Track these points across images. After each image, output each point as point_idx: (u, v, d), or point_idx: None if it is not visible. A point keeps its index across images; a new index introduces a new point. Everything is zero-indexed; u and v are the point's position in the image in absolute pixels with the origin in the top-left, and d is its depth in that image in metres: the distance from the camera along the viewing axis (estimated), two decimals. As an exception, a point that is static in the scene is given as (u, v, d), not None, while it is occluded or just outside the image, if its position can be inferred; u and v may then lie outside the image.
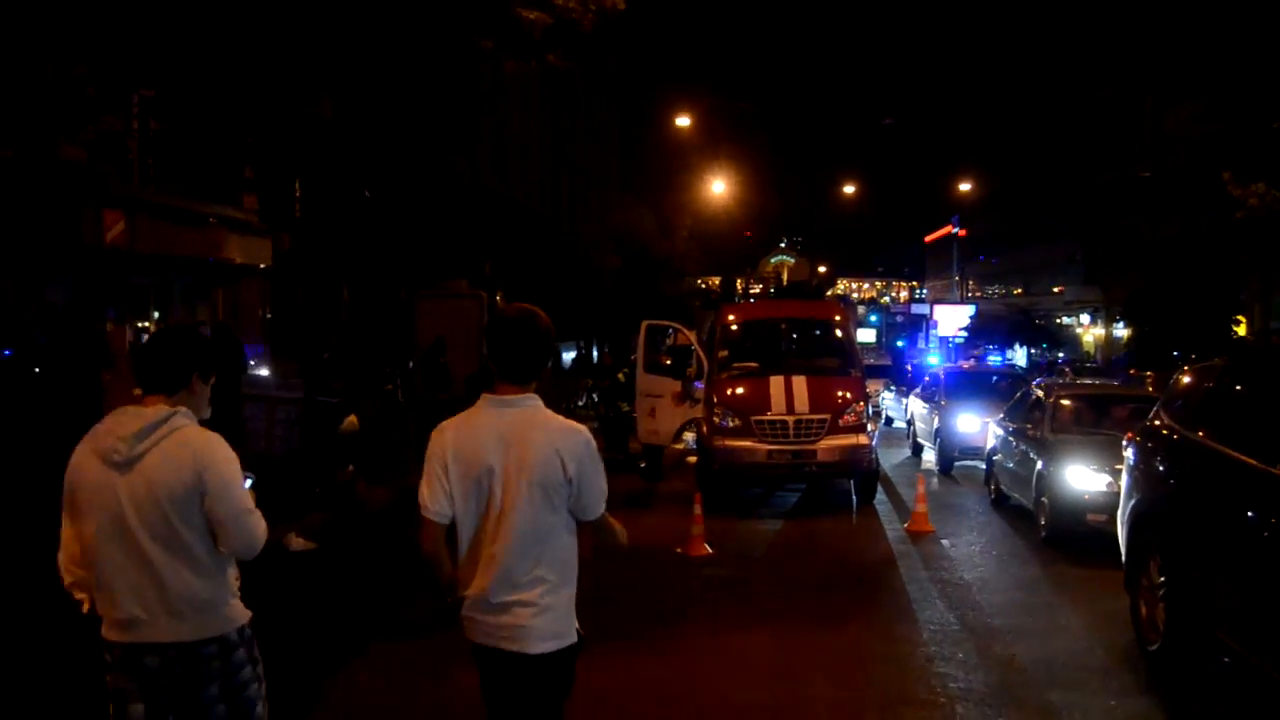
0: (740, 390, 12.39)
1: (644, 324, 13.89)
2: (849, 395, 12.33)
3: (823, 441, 11.83)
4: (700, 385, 13.23)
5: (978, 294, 75.15)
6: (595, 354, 39.31)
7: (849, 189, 59.33)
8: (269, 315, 26.80)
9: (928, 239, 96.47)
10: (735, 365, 12.92)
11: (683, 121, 37.67)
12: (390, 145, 20.04)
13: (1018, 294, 64.98)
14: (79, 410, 15.17)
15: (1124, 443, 7.65)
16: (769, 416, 11.89)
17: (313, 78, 16.28)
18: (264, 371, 25.34)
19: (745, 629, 7.35)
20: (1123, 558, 7.08)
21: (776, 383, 12.14)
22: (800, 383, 12.09)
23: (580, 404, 24.18)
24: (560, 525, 3.34)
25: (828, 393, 12.25)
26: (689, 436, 14.29)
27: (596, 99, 44.75)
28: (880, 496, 12.98)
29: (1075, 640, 7.04)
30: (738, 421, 11.96)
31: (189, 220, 21.06)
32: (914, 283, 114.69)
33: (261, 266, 24.69)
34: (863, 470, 12.27)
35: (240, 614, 3.37)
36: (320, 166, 21.51)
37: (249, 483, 3.80)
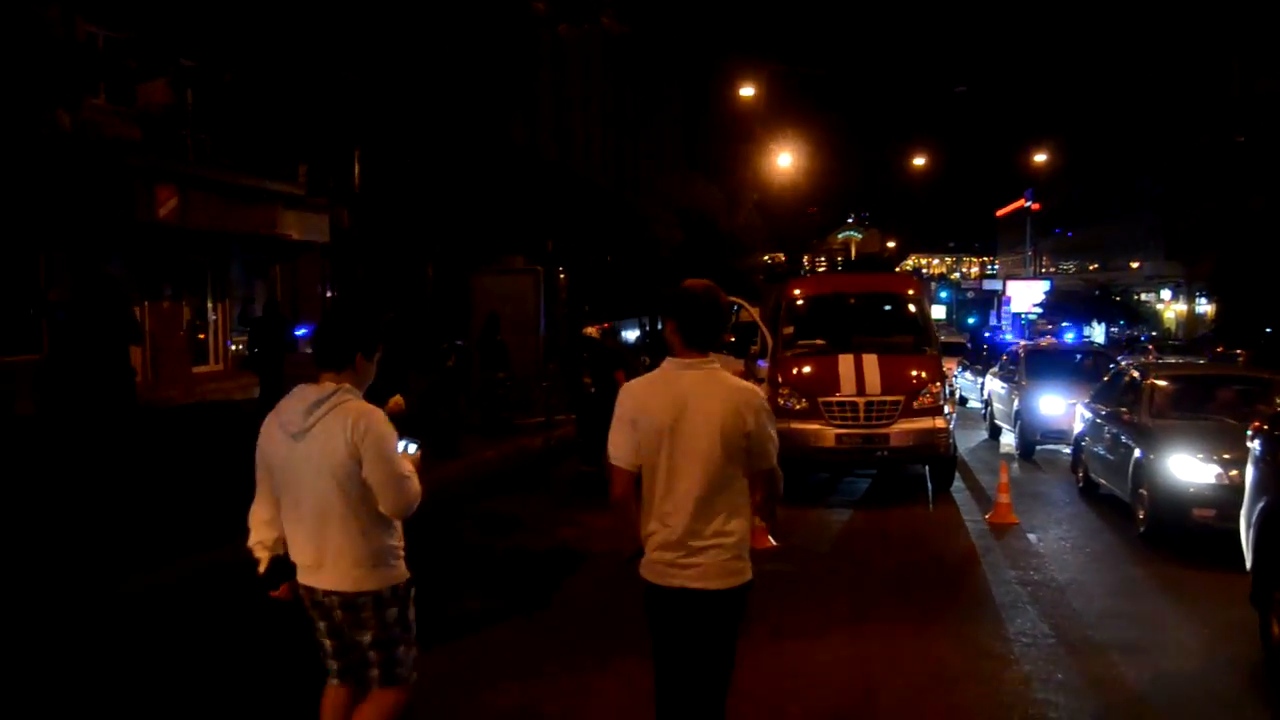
0: (807, 369, 11.60)
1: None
2: (924, 375, 11.48)
3: (896, 425, 11.02)
4: (764, 364, 12.46)
5: (1051, 269, 72.92)
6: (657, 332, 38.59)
7: (919, 161, 57.67)
8: (330, 294, 26.57)
9: (999, 213, 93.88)
10: (801, 343, 12.13)
11: (747, 92, 36.63)
12: (447, 116, 19.47)
13: (1094, 270, 62.86)
14: (106, 382, 14.90)
15: (1249, 433, 6.76)
16: (838, 398, 11.09)
17: (366, 45, 15.73)
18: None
19: (811, 636, 6.62)
20: (1247, 565, 6.24)
21: (846, 361, 11.34)
22: (871, 361, 11.27)
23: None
24: (737, 474, 3.66)
25: (901, 372, 11.41)
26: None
27: (659, 69, 43.85)
28: (957, 484, 12.14)
29: (1193, 660, 6.19)
30: (804, 403, 11.19)
31: (242, 196, 20.75)
32: (985, 258, 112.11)
33: (319, 242, 24.46)
34: (939, 456, 11.44)
35: (398, 574, 3.75)
36: (377, 139, 21.03)
37: (413, 447, 4.11)
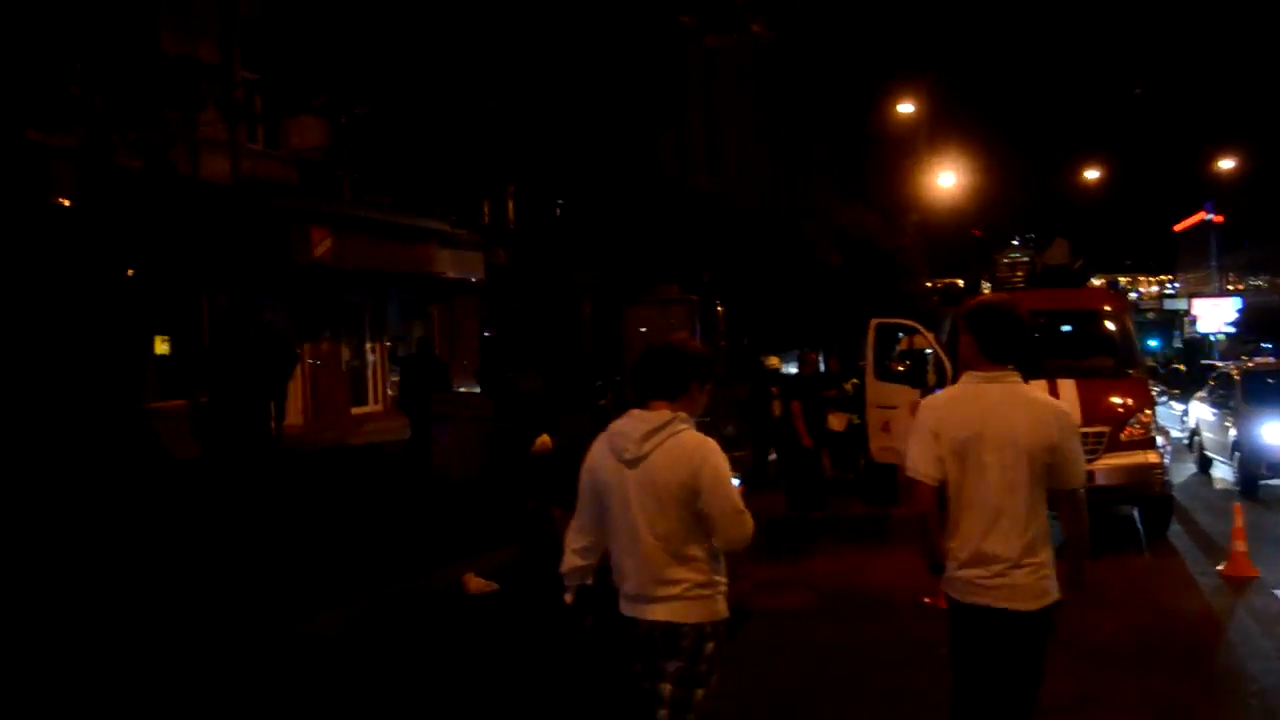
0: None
1: (873, 323, 11.97)
2: (1131, 402, 10.08)
3: (1101, 460, 9.65)
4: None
5: (1238, 286, 67.82)
6: (822, 363, 37.25)
7: (1092, 174, 54.51)
8: (486, 333, 26.48)
9: (1177, 228, 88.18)
10: (984, 369, 10.92)
11: (907, 108, 35.13)
12: (598, 147, 18.95)
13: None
14: (256, 425, 14.74)
15: None
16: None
17: (513, 76, 15.29)
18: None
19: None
20: None
21: (1038, 389, 10.06)
22: (1068, 388, 9.94)
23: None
24: (1042, 492, 3.66)
25: (1104, 400, 10.05)
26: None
27: (813, 88, 42.79)
28: (1174, 527, 10.62)
29: None
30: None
31: (395, 234, 20.73)
32: (1164, 276, 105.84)
33: (474, 280, 24.35)
34: (1154, 496, 10.01)
35: (720, 610, 3.62)
36: (529, 175, 20.74)
37: (737, 481, 3.87)
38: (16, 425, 11.70)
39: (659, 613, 3.57)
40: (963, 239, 48.61)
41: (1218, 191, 66.79)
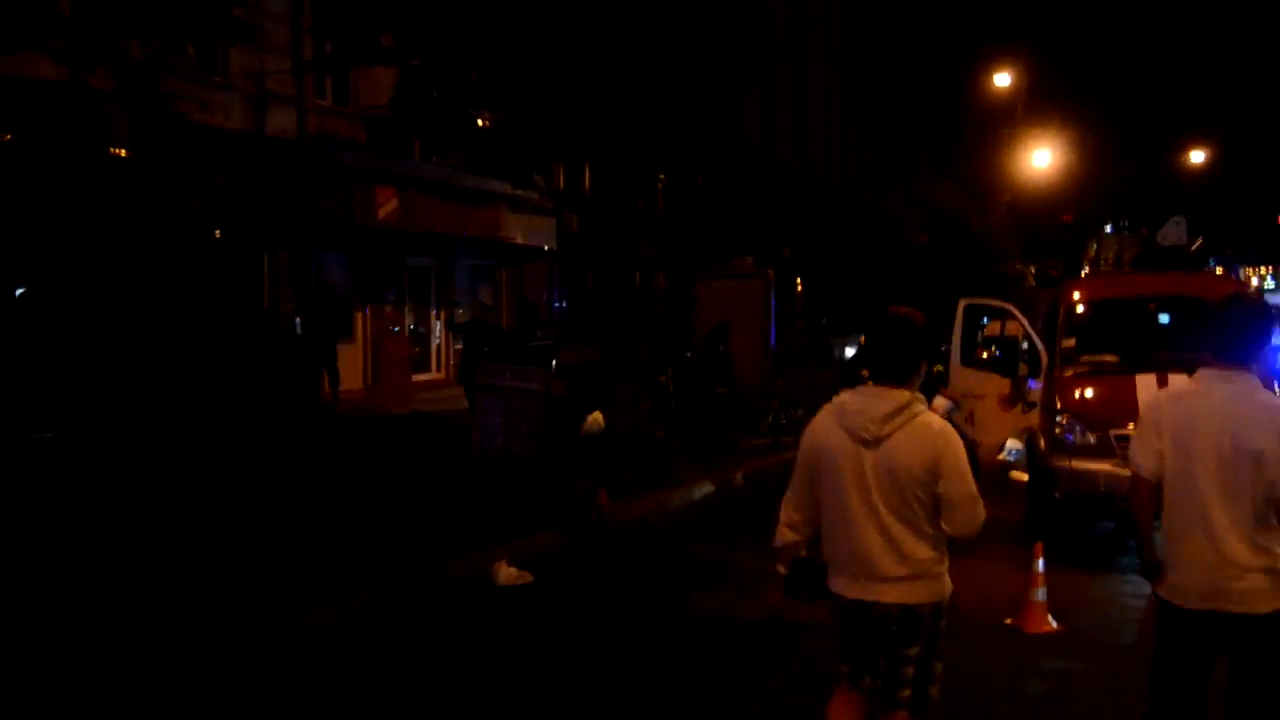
0: (1095, 393, 9.21)
1: (961, 303, 10.95)
2: (1254, 404, 8.96)
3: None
4: (1036, 385, 10.17)
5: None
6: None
7: (1196, 156, 51.70)
8: (561, 302, 25.82)
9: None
10: (1087, 359, 9.72)
11: (1002, 80, 33.45)
12: (680, 117, 17.99)
13: None
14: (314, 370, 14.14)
15: None
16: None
17: (587, 25, 14.39)
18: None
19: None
20: None
21: (1147, 384, 8.92)
22: (1181, 383, 8.85)
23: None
24: (1272, 495, 3.55)
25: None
26: (1012, 445, 11.24)
27: (904, 61, 41.20)
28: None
29: None
30: (1091, 436, 8.88)
31: (464, 197, 20.12)
32: (1266, 268, 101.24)
33: (545, 248, 23.70)
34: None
35: (949, 587, 3.67)
36: (609, 143, 19.83)
37: None
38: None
39: (895, 594, 3.57)
40: (1055, 223, 46.58)
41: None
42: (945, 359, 11.84)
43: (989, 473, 11.71)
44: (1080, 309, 10.40)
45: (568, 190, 24.49)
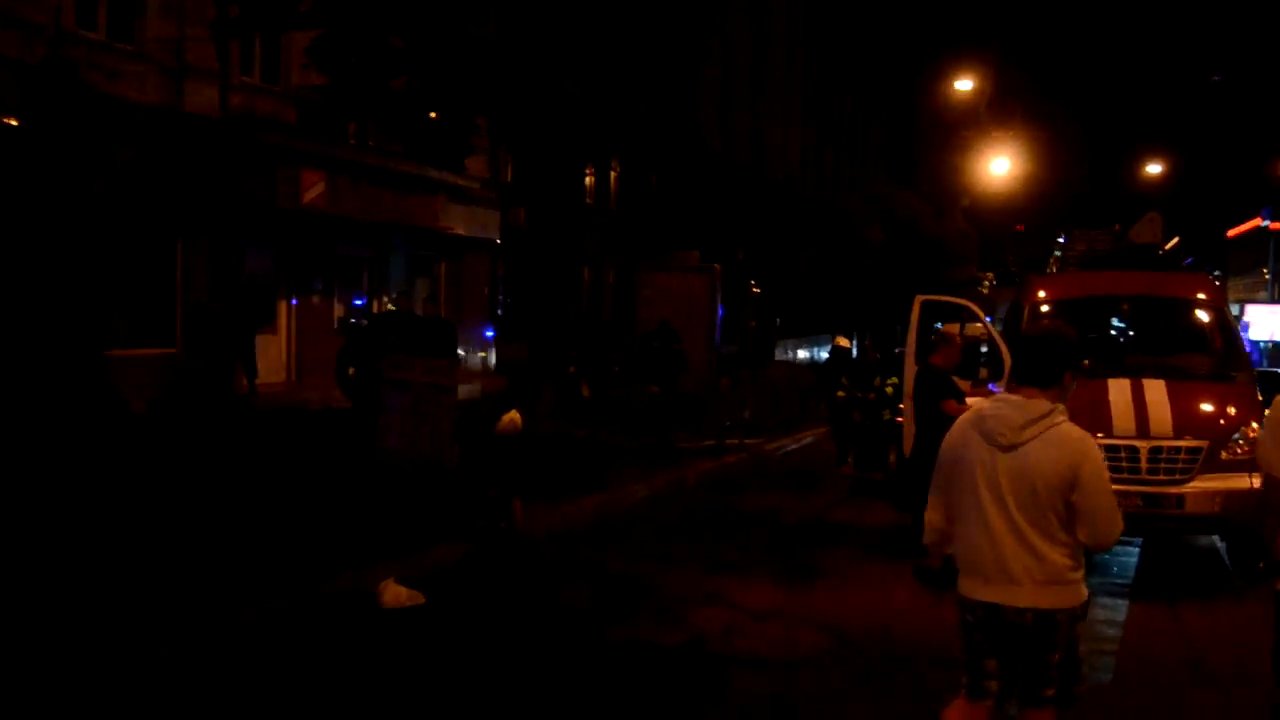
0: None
1: (917, 300, 10.09)
2: (1235, 412, 8.18)
3: (1195, 482, 7.74)
4: (997, 389, 9.35)
5: (1289, 294, 64.65)
6: (855, 348, 35.30)
7: (1153, 168, 51.66)
8: (506, 297, 24.80)
9: (1231, 233, 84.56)
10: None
11: (964, 85, 32.91)
12: (626, 89, 17.00)
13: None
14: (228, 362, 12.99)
15: None
16: (1108, 439, 7.88)
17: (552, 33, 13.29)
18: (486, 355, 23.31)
19: None
20: None
21: (1119, 389, 8.15)
22: (1157, 390, 8.04)
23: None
24: None
25: (1201, 408, 8.15)
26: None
27: (865, 65, 40.64)
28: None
29: None
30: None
31: (400, 184, 19.06)
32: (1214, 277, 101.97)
33: (488, 240, 22.69)
34: (1254, 529, 8.14)
35: (1084, 593, 3.63)
36: (561, 138, 18.79)
37: None
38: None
39: (1030, 599, 3.57)
40: (1008, 234, 46.26)
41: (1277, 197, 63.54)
42: (899, 361, 11.01)
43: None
44: (1046, 308, 9.61)
45: (515, 182, 23.53)
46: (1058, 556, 3.55)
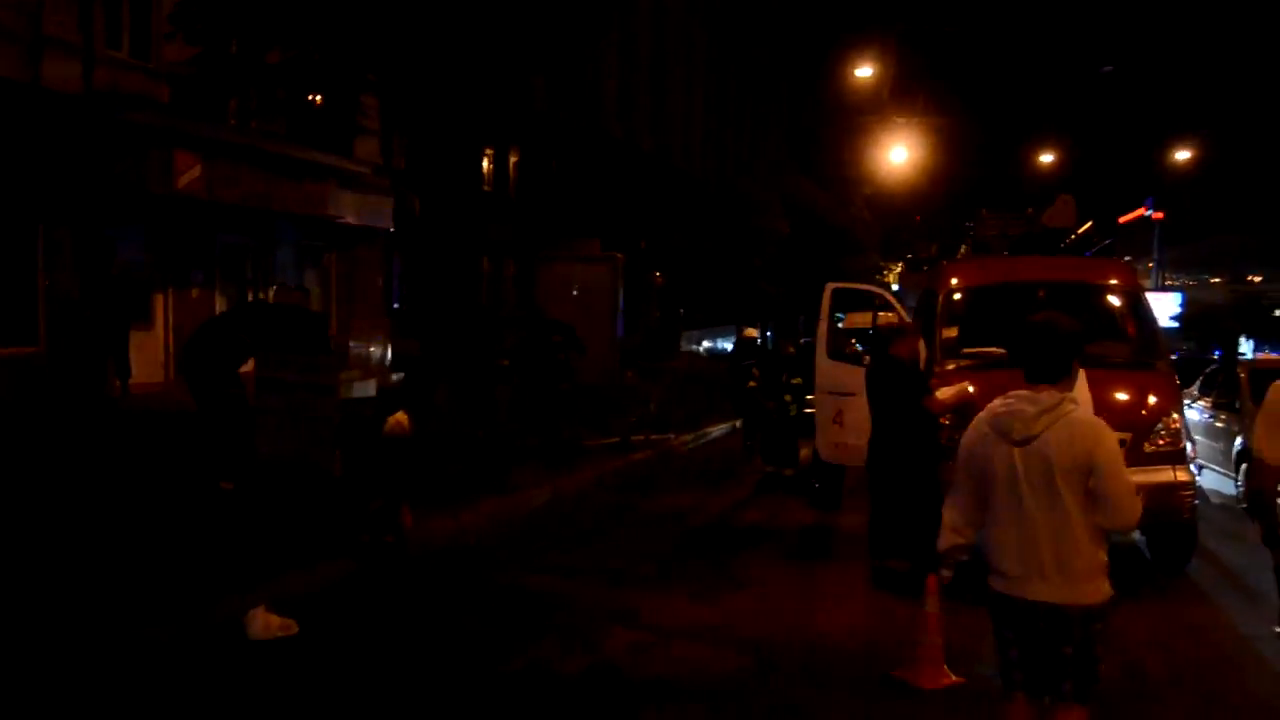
0: (982, 391, 8.02)
1: (828, 288, 9.64)
2: (1156, 402, 7.91)
3: (1119, 476, 7.47)
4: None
5: (1170, 281, 67.14)
6: (759, 339, 35.13)
7: (1046, 157, 52.72)
8: (402, 289, 23.82)
9: (1121, 220, 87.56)
10: (970, 352, 8.56)
11: (864, 72, 32.84)
12: (529, 97, 16.08)
13: (1216, 283, 57.59)
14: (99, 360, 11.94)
15: None
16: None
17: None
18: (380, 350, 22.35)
19: None
20: None
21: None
22: (1078, 380, 7.73)
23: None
24: None
25: (1121, 398, 7.86)
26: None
27: (766, 51, 40.45)
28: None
29: None
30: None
31: (284, 169, 17.99)
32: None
33: (381, 228, 21.74)
34: (1179, 522, 7.88)
35: (1104, 591, 3.60)
36: (458, 122, 17.80)
37: None
38: None
39: (1054, 594, 3.55)
40: (906, 221, 46.73)
41: (1163, 185, 65.70)
42: (810, 351, 10.58)
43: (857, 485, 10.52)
44: (959, 295, 9.24)
45: (408, 168, 22.57)
46: (1080, 548, 3.54)
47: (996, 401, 3.73)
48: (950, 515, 3.84)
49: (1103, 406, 7.57)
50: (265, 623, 5.79)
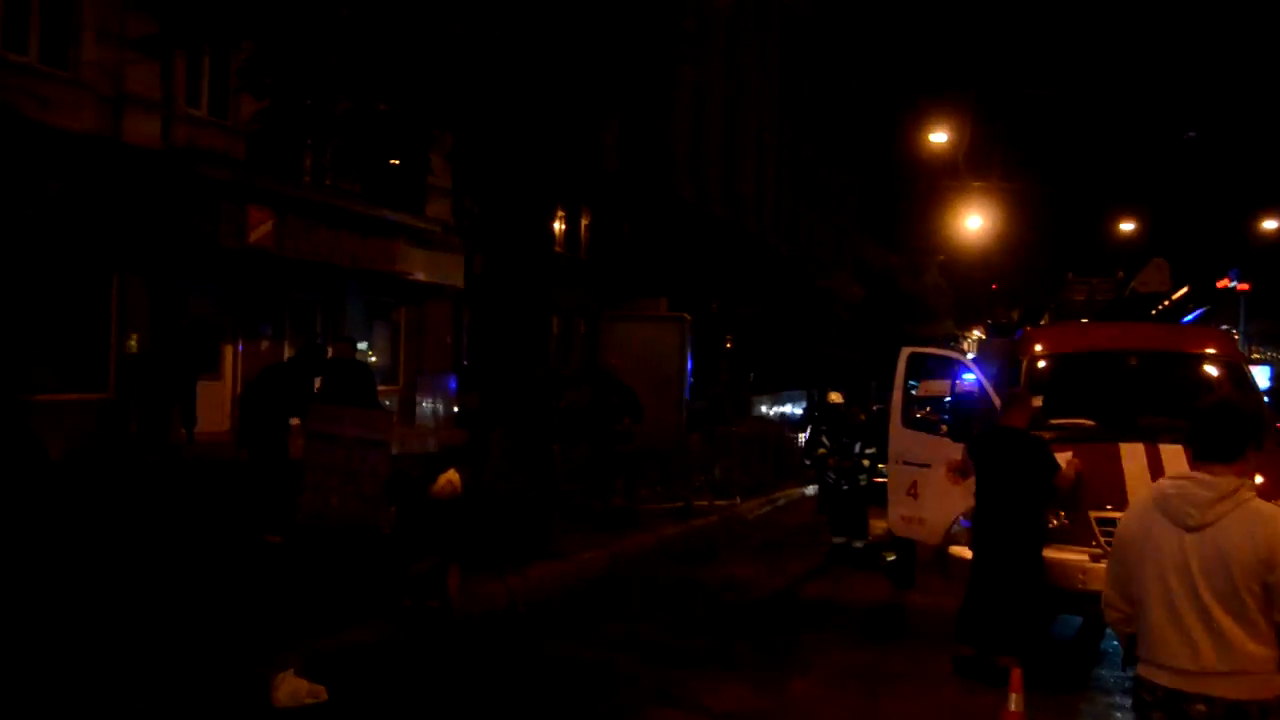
0: (1070, 465, 7.48)
1: (904, 352, 9.14)
2: (1265, 483, 7.26)
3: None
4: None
5: (1256, 354, 64.91)
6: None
7: (1127, 226, 51.54)
8: (471, 347, 23.78)
9: (1220, 284, 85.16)
10: (1057, 423, 8.00)
11: (939, 137, 32.41)
12: (598, 157, 15.93)
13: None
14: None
15: None
16: (1122, 514, 6.98)
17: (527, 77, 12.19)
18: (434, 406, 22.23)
19: None
20: None
21: (1134, 456, 7.25)
22: (1177, 458, 7.09)
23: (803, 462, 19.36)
24: None
25: (1226, 478, 7.26)
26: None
27: (839, 120, 40.28)
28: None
29: None
30: (1063, 517, 7.15)
31: (355, 225, 18.13)
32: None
33: (451, 286, 21.76)
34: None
35: (1278, 685, 3.40)
36: (519, 172, 17.77)
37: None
38: None
39: (1224, 689, 3.33)
40: (982, 289, 45.82)
41: (1254, 253, 63.78)
42: (883, 419, 10.08)
43: (929, 553, 9.94)
44: (1044, 363, 8.73)
45: (475, 226, 22.65)
46: (1253, 644, 3.32)
47: (1164, 482, 3.57)
48: (1111, 594, 3.70)
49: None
50: (293, 689, 5.47)
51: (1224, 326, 10.38)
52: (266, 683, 5.48)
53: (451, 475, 7.47)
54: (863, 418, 11.71)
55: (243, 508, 9.09)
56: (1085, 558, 7.03)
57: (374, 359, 21.38)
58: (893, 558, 10.13)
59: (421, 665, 6.34)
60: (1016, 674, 4.97)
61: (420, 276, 20.55)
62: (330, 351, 11.42)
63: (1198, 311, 9.51)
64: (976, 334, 38.04)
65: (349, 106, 11.54)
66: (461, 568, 7.33)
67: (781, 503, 15.84)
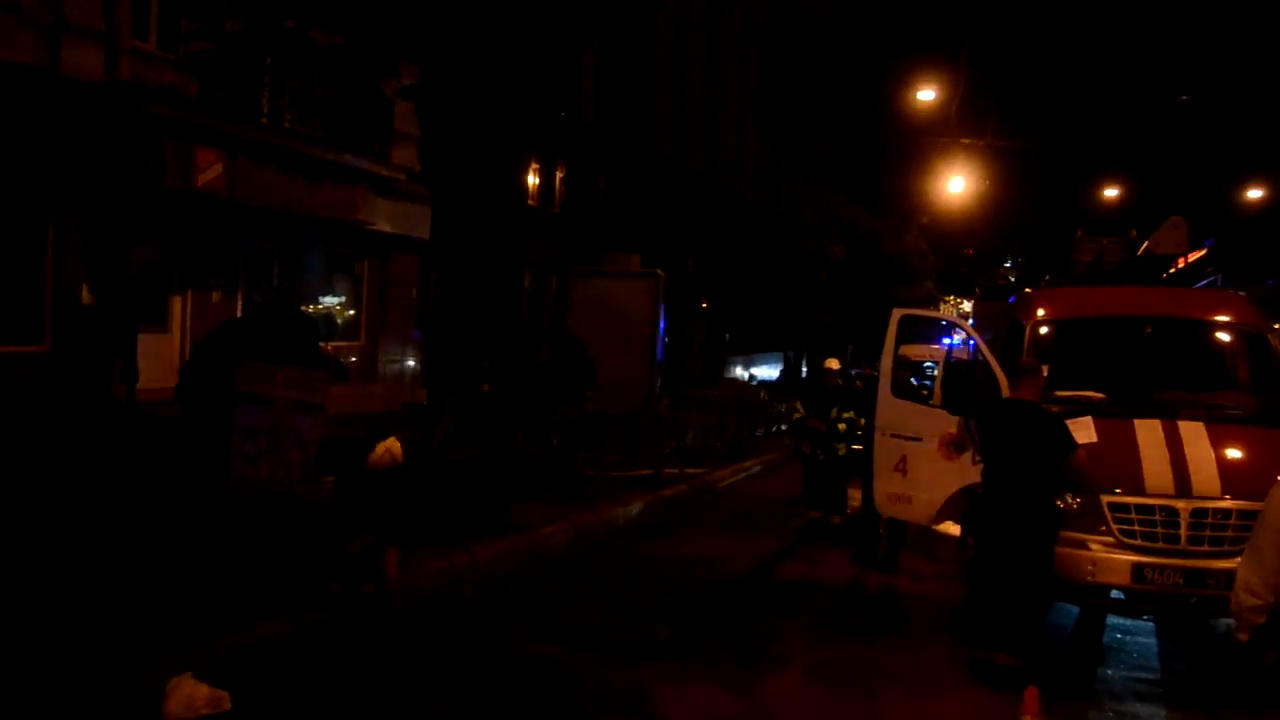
0: (1079, 442, 6.75)
1: (895, 314, 8.36)
2: (1293, 465, 6.61)
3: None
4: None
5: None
6: (805, 368, 33.84)
7: (1111, 192, 50.84)
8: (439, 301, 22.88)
9: (1180, 262, 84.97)
10: (1063, 395, 7.29)
11: (925, 95, 31.45)
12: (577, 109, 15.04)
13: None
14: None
15: None
16: (1137, 498, 6.26)
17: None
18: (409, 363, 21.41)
19: None
20: None
21: (1149, 433, 6.53)
22: (1197, 435, 6.41)
23: (778, 429, 18.63)
24: None
25: (1254, 459, 6.51)
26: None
27: (822, 72, 39.32)
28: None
29: None
30: (1072, 501, 6.45)
31: (315, 172, 17.11)
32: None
33: (417, 238, 20.82)
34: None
35: None
36: (489, 109, 16.80)
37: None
38: None
39: None
40: (960, 258, 45.14)
41: (1234, 220, 63.26)
42: (872, 384, 9.34)
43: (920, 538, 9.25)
44: (1048, 329, 7.98)
45: (441, 173, 21.67)
46: None
47: None
48: (1247, 575, 3.58)
49: (1231, 469, 6.29)
50: (189, 696, 4.69)
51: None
52: (158, 690, 4.69)
53: (391, 444, 6.65)
54: (839, 382, 10.88)
55: (170, 476, 8.25)
56: (1098, 547, 6.32)
57: (350, 313, 20.53)
58: (871, 539, 9.40)
59: (345, 664, 5.57)
60: (1032, 694, 4.26)
61: (385, 227, 19.63)
62: (295, 302, 10.48)
63: (1214, 276, 8.79)
64: (953, 299, 37.45)
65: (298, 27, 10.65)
66: (402, 547, 6.55)
67: (756, 470, 15.15)
